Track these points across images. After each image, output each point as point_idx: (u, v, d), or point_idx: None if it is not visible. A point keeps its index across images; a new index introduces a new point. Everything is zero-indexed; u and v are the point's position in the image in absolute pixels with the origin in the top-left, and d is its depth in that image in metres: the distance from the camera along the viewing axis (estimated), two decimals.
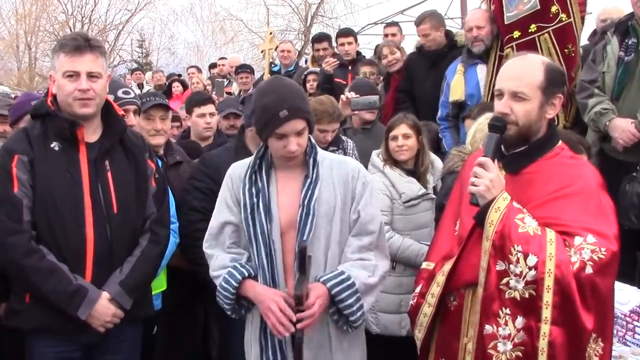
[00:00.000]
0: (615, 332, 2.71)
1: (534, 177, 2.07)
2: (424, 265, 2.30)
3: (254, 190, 2.25)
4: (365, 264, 2.23)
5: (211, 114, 4.13)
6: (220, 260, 2.30)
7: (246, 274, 2.22)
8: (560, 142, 2.15)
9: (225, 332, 3.20)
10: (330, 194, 2.25)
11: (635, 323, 2.67)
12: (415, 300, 2.25)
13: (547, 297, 1.87)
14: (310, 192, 2.22)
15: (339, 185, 2.27)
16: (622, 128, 3.53)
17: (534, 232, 1.92)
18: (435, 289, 2.16)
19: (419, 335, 2.23)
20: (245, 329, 2.37)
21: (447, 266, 2.14)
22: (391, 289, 3.29)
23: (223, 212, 2.34)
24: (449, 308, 2.17)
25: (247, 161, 2.36)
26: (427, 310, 2.18)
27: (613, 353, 2.52)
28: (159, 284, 2.95)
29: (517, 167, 2.10)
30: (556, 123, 3.92)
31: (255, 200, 2.24)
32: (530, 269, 1.88)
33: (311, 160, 2.27)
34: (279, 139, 2.18)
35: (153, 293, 2.81)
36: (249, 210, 2.23)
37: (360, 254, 2.24)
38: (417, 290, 2.25)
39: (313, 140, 2.33)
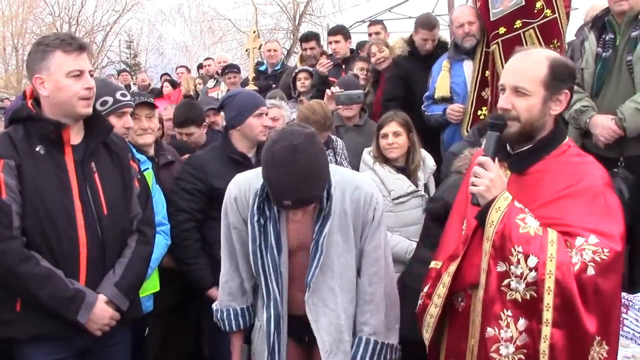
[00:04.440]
0: None
1: (541, 176, 2.00)
2: (432, 264, 2.24)
3: (262, 220, 2.20)
4: (371, 306, 2.30)
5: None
6: (223, 279, 2.45)
7: (234, 329, 2.44)
8: (567, 139, 2.08)
9: (218, 332, 3.21)
10: (343, 223, 2.22)
11: (624, 315, 2.68)
12: (422, 301, 2.20)
13: (548, 299, 1.82)
14: (320, 226, 2.18)
15: (349, 210, 2.23)
16: (602, 125, 3.49)
17: (534, 232, 1.87)
18: (442, 290, 2.10)
19: (427, 335, 2.18)
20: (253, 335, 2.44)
21: (453, 267, 2.08)
22: None
23: (228, 239, 2.38)
24: (456, 309, 2.11)
25: (252, 180, 2.26)
26: (434, 311, 2.13)
27: None
28: (151, 286, 2.95)
29: (523, 167, 2.03)
30: None
31: (262, 231, 2.20)
32: (530, 270, 1.84)
33: (325, 193, 2.16)
34: None
35: (145, 294, 2.81)
36: (257, 243, 2.21)
37: (370, 287, 2.30)
38: (425, 290, 2.21)
39: None
